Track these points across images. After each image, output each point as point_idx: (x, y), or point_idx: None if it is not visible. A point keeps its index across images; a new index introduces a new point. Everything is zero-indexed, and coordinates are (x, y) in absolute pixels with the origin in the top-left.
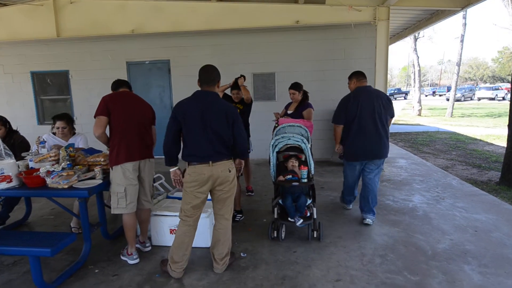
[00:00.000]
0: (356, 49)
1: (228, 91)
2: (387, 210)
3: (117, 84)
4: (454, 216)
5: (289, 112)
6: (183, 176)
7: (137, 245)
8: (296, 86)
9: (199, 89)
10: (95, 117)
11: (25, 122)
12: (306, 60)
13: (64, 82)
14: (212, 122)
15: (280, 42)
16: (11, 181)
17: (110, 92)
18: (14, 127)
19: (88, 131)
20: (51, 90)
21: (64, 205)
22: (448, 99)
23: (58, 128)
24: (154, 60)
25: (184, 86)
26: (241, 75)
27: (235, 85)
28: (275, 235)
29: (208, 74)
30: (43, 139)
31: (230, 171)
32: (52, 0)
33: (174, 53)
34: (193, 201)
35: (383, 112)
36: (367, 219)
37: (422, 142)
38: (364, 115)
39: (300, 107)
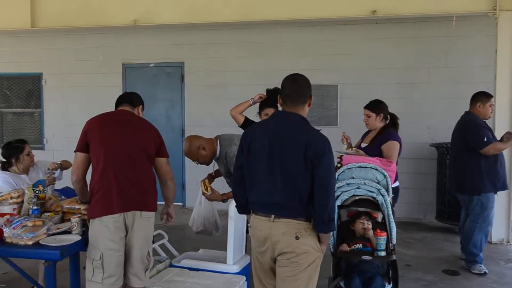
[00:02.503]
0: (465, 52)
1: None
2: None
3: (117, 101)
4: None
5: (363, 145)
6: None
7: None
8: (373, 106)
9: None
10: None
11: None
12: (385, 67)
13: (34, 89)
14: (283, 157)
15: (346, 41)
16: None
17: (96, 105)
18: None
19: (61, 158)
20: (15, 100)
21: (23, 269)
22: None
23: None
24: (161, 63)
25: (204, 100)
26: (276, 88)
27: (267, 101)
28: None
29: (295, 86)
30: None
31: (297, 238)
32: None
33: (190, 53)
34: (255, 264)
35: (459, 143)
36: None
37: None
38: (452, 146)
39: (379, 139)
